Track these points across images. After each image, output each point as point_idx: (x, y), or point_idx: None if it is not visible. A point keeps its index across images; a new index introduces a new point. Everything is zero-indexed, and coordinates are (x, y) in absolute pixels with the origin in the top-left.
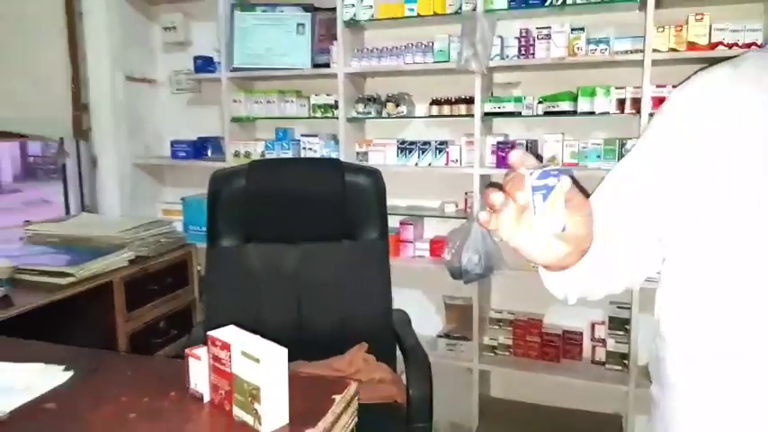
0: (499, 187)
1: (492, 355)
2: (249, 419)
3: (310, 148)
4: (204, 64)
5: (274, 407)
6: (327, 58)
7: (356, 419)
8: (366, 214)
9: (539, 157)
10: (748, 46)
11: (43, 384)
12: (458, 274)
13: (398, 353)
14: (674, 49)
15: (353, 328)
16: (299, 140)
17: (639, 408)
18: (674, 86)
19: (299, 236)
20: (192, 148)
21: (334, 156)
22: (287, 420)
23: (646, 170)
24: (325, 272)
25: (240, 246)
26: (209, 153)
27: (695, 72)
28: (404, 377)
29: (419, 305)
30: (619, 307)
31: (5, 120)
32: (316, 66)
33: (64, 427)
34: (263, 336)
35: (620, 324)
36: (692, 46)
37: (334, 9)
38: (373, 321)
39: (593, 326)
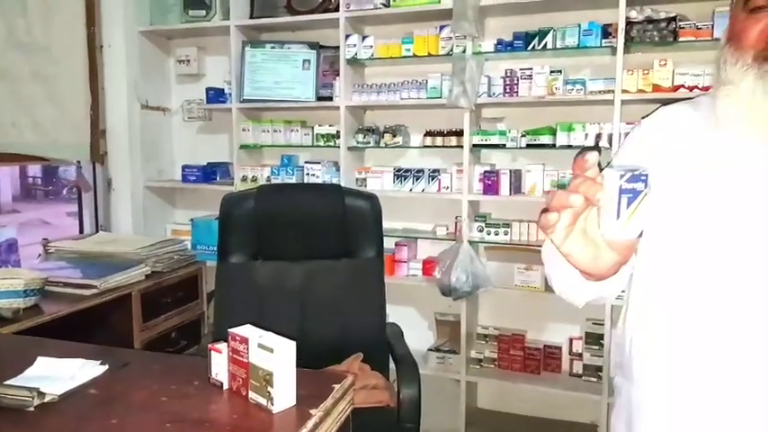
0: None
1: (478, 367)
2: (263, 401)
3: (313, 174)
4: (216, 95)
5: (284, 390)
6: (331, 92)
7: (352, 407)
8: (364, 235)
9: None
10: (707, 89)
11: (84, 375)
12: (447, 291)
13: (392, 363)
14: (641, 90)
15: (350, 340)
16: (302, 167)
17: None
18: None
19: (302, 254)
20: (201, 173)
21: (335, 181)
22: (294, 402)
23: None
24: (325, 287)
25: (248, 262)
26: (218, 177)
27: (658, 106)
28: (396, 385)
29: (413, 321)
30: (594, 323)
31: (28, 145)
32: (320, 99)
33: (106, 407)
34: None
35: (595, 339)
36: (657, 88)
37: (337, 47)
38: (369, 333)
39: (570, 341)
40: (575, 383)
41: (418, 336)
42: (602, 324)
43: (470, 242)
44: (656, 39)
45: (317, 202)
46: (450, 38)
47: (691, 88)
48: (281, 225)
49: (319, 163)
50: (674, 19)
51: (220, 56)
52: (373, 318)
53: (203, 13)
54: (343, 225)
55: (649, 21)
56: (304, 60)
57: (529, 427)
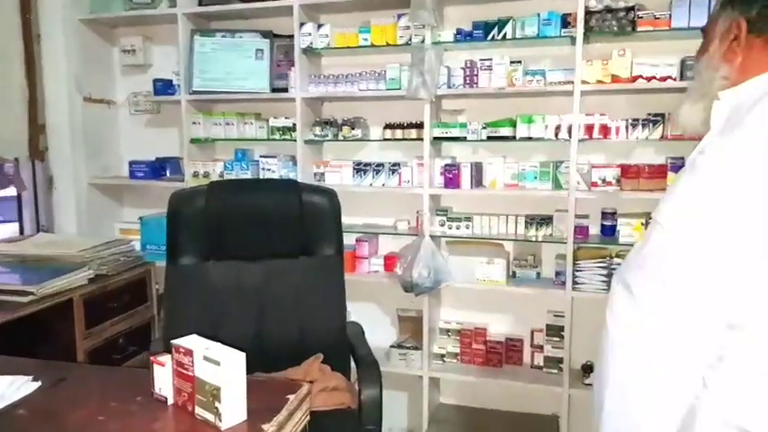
0: None
1: (441, 362)
2: (210, 417)
3: (269, 169)
4: (164, 87)
5: (233, 405)
6: (286, 83)
7: (308, 417)
8: (322, 232)
9: None
10: (664, 79)
11: (13, 394)
12: (409, 287)
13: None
14: (600, 81)
15: (310, 340)
16: (258, 161)
17: (573, 408)
18: (601, 114)
19: (257, 253)
20: (150, 169)
21: (292, 176)
22: (245, 417)
23: None
24: (283, 287)
25: (199, 263)
26: (168, 173)
27: None
28: (357, 385)
29: (375, 317)
30: (555, 315)
31: None
32: (275, 90)
33: (36, 429)
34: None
35: (556, 331)
36: (616, 78)
37: (292, 36)
38: (329, 333)
39: (532, 333)
40: (536, 375)
41: (381, 332)
42: (563, 316)
43: (432, 237)
44: (615, 28)
45: (273, 199)
46: (409, 27)
47: (648, 79)
48: (234, 223)
49: (275, 157)
50: (632, 8)
51: (168, 45)
52: (333, 317)
53: (148, 0)
54: (300, 222)
55: (608, 10)
56: (257, 50)
57: (492, 421)
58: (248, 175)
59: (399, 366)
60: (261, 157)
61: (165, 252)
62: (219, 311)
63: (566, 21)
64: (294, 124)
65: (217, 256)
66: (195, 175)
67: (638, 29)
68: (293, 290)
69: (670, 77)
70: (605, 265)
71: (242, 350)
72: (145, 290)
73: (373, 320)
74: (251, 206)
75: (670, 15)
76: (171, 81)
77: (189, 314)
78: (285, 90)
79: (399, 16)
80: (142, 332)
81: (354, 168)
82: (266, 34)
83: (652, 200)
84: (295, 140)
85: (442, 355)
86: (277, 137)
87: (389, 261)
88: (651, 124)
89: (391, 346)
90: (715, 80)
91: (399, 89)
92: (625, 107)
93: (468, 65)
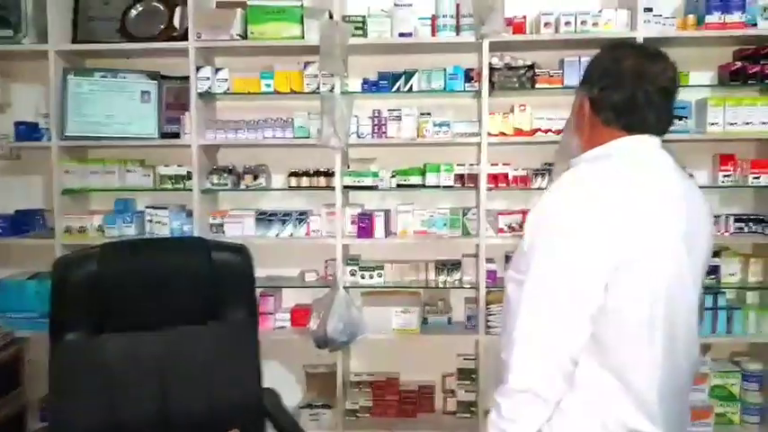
0: None
1: (354, 419)
2: None
3: (158, 221)
4: (28, 131)
5: None
6: (178, 128)
7: None
8: (234, 293)
9: None
10: (560, 132)
11: None
12: (323, 343)
13: None
14: (503, 133)
15: (223, 414)
16: (142, 213)
17: None
18: (504, 164)
19: (159, 321)
20: (8, 224)
21: (186, 228)
22: None
23: None
24: (189, 357)
25: (91, 338)
26: (31, 229)
27: None
28: None
29: (277, 376)
30: (465, 359)
31: None
32: (164, 135)
33: None
34: None
35: (467, 374)
36: (518, 131)
37: (181, 78)
38: (243, 404)
39: (443, 378)
40: (449, 422)
41: (285, 392)
42: (474, 359)
43: (345, 288)
44: (516, 85)
45: (178, 260)
46: (316, 75)
47: (546, 131)
48: (132, 290)
49: (165, 208)
50: (531, 67)
51: (33, 84)
52: (247, 386)
53: (9, 33)
54: (207, 284)
55: (509, 67)
56: (143, 92)
57: None
58: (133, 229)
59: (310, 428)
60: (147, 208)
61: (31, 320)
62: (118, 392)
63: (468, 75)
64: (188, 172)
65: (112, 326)
66: (68, 230)
67: (537, 85)
68: (201, 359)
69: None
70: None
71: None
72: (17, 372)
73: (276, 380)
74: (152, 269)
75: (562, 73)
76: (36, 124)
77: (81, 398)
78: (177, 135)
79: (306, 65)
80: (14, 425)
81: (257, 218)
82: (153, 75)
83: None
84: (189, 190)
85: (356, 411)
86: (168, 186)
87: (297, 314)
88: (548, 173)
89: (300, 407)
90: (572, 147)
91: (308, 137)
92: (525, 157)
93: (376, 114)
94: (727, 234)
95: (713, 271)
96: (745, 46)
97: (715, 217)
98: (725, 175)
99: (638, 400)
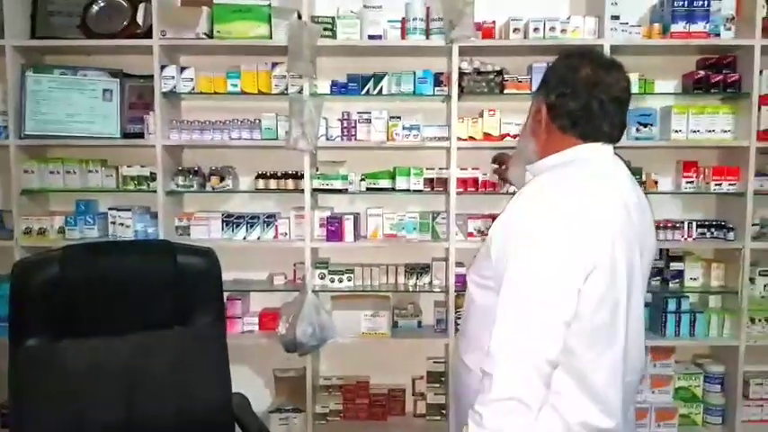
0: None
1: (324, 422)
2: None
3: (122, 223)
4: None
5: None
6: (141, 128)
7: None
8: (201, 297)
9: None
10: None
11: None
12: (292, 347)
13: None
14: (471, 138)
15: (191, 420)
16: (104, 214)
17: None
18: (473, 168)
19: (124, 326)
20: None
21: (151, 231)
22: None
23: None
24: (156, 363)
25: (52, 343)
26: None
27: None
28: None
29: (245, 381)
30: (435, 362)
31: None
32: (126, 135)
33: None
34: None
35: (437, 377)
36: (487, 136)
37: (144, 76)
38: (212, 410)
39: (414, 381)
40: (419, 425)
41: (253, 397)
42: (444, 362)
43: (314, 291)
44: (485, 90)
45: (142, 263)
46: (284, 76)
47: (515, 136)
48: (95, 294)
49: (129, 210)
50: (500, 72)
51: None
52: (216, 391)
53: None
54: (174, 288)
55: (478, 72)
56: (104, 90)
57: None
58: (95, 230)
59: None
60: (110, 209)
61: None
62: (82, 399)
63: (438, 80)
64: (152, 173)
65: (75, 333)
66: (28, 231)
67: (506, 91)
68: (168, 365)
69: None
70: None
71: None
72: None
73: (244, 384)
74: (116, 273)
75: (531, 79)
76: None
77: (43, 405)
78: (140, 135)
79: (274, 65)
80: None
81: (224, 221)
82: (115, 73)
83: None
84: (153, 191)
85: (326, 415)
86: (131, 187)
87: (265, 318)
88: None
89: (270, 411)
90: (528, 151)
91: (276, 139)
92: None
93: (345, 116)
94: (690, 239)
95: (677, 275)
96: (709, 55)
97: (678, 222)
98: (688, 182)
99: (598, 399)
